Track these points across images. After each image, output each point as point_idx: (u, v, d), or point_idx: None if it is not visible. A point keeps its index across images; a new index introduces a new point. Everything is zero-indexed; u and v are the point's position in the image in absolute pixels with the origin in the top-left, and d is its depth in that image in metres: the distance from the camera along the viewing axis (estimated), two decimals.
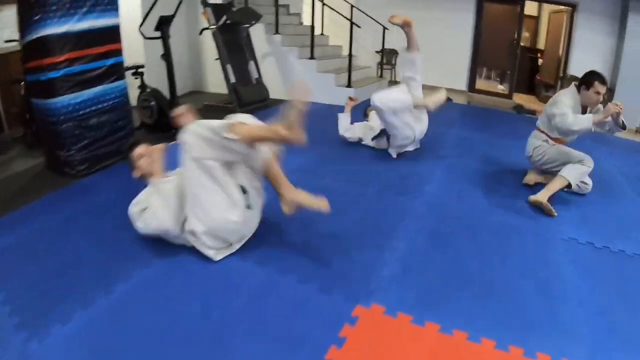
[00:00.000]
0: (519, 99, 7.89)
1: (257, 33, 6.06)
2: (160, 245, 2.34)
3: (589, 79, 3.11)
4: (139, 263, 2.23)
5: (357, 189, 3.29)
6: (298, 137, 2.00)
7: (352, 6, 7.35)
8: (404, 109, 3.67)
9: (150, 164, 2.34)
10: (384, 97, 3.68)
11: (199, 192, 2.10)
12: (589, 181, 3.43)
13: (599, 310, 2.04)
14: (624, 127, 3.11)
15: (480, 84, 8.50)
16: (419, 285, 2.17)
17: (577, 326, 1.92)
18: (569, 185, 3.15)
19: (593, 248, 2.67)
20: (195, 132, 2.02)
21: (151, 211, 2.22)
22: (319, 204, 2.18)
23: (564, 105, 3.12)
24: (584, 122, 3.07)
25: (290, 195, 2.25)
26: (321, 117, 5.40)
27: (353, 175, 3.58)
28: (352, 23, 6.11)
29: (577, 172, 3.14)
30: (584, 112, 3.22)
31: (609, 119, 3.11)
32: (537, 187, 3.35)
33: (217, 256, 2.23)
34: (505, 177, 3.73)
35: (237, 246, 2.33)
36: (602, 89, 3.08)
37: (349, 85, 6.11)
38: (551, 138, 3.36)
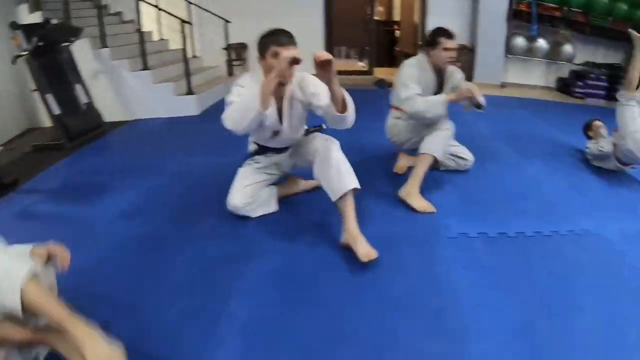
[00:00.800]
0: (381, 73, 7.66)
1: (82, 50, 4.88)
2: None
3: (433, 38, 2.78)
4: None
5: (186, 228, 2.36)
6: None
7: (189, 3, 6.47)
8: None
9: None
10: None
11: None
12: (468, 155, 3.03)
13: (514, 331, 1.57)
14: (479, 107, 2.58)
15: (340, 64, 8.04)
16: None
17: None
18: (436, 161, 2.61)
19: (487, 239, 2.18)
20: None
21: None
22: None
23: (410, 82, 2.67)
24: (437, 106, 2.59)
25: None
26: (154, 134, 4.45)
27: (186, 210, 2.58)
28: (182, 21, 5.22)
29: (438, 142, 2.59)
30: (437, 75, 2.83)
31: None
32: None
33: None
34: (373, 170, 3.07)
35: None
36: (450, 44, 2.74)
37: (189, 92, 5.22)
38: (406, 113, 2.78)
